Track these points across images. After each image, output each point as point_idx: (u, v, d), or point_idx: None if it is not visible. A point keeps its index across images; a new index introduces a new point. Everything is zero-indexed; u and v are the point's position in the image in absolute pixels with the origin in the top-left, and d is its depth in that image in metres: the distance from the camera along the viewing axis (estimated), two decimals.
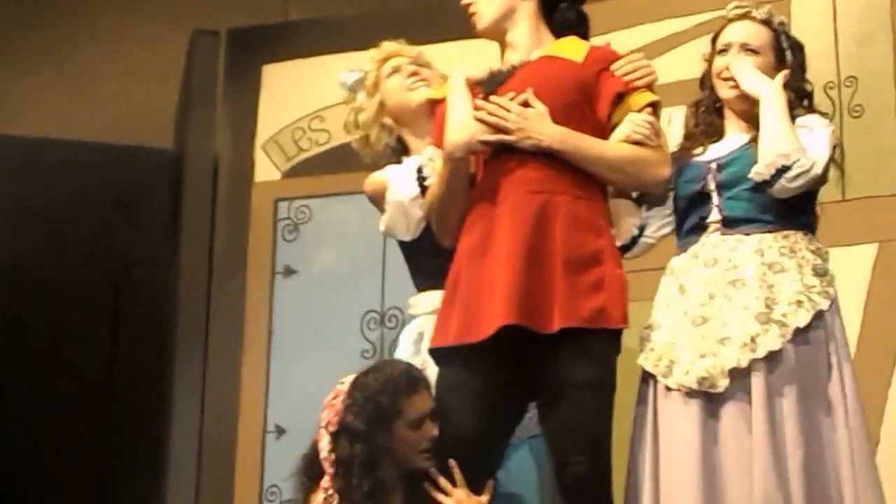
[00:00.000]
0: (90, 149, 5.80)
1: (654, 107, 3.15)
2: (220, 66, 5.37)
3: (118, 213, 5.78)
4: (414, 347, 3.32)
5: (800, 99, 3.17)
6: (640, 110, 3.12)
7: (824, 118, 3.15)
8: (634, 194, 3.24)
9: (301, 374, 4.96)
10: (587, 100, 3.12)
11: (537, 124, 3.05)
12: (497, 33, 3.26)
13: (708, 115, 3.23)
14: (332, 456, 3.00)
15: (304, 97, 5.21)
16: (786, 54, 3.16)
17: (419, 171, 3.31)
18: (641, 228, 3.22)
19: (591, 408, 2.97)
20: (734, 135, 3.18)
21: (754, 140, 3.08)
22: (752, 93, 3.09)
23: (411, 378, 3.04)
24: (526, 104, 3.07)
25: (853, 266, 4.07)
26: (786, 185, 3.00)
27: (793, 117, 3.10)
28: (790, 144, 2.99)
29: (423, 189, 3.28)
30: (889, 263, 4.19)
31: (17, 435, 5.54)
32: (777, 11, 3.27)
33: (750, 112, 3.15)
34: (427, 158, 3.30)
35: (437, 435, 3.00)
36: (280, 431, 5.00)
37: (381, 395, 3.00)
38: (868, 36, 4.44)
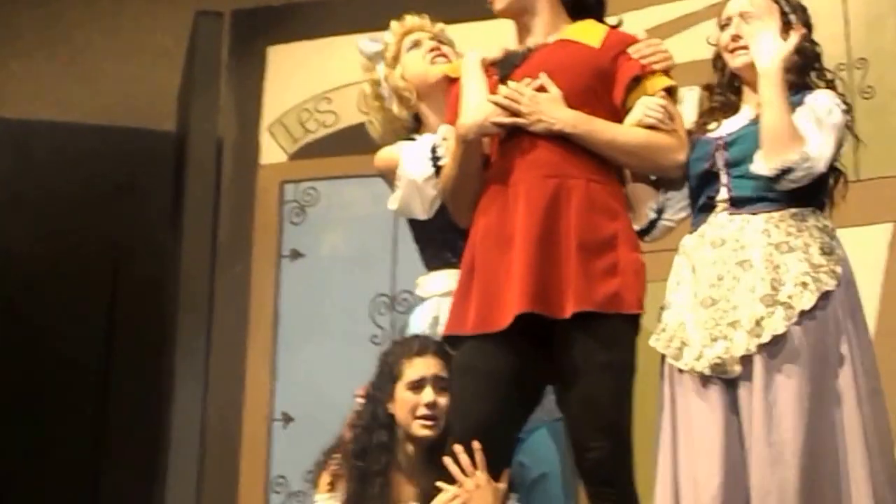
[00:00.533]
0: (89, 132, 5.76)
1: (670, 91, 3.13)
2: (223, 47, 5.34)
3: (119, 197, 5.75)
4: (430, 331, 3.29)
5: (810, 62, 3.14)
6: (654, 94, 3.10)
7: (836, 95, 3.10)
8: (652, 177, 3.21)
9: (308, 361, 4.94)
10: (603, 85, 3.11)
11: (550, 108, 3.04)
12: (514, 14, 3.24)
13: (723, 94, 3.20)
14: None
15: (310, 78, 5.19)
16: (790, 17, 3.13)
17: (433, 150, 3.28)
18: (660, 212, 3.19)
19: (608, 391, 2.95)
20: (747, 109, 3.14)
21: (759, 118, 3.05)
22: (756, 63, 3.05)
23: (420, 342, 3.13)
24: (542, 88, 3.06)
25: (868, 246, 4.07)
26: (788, 184, 2.98)
27: (805, 85, 3.08)
28: (794, 148, 2.94)
29: (437, 169, 3.25)
30: None
31: (13, 426, 5.52)
32: None
33: None
34: (441, 137, 3.28)
35: (434, 402, 3.04)
36: (287, 419, 4.97)
37: (389, 356, 3.13)
38: (878, 18, 4.46)
